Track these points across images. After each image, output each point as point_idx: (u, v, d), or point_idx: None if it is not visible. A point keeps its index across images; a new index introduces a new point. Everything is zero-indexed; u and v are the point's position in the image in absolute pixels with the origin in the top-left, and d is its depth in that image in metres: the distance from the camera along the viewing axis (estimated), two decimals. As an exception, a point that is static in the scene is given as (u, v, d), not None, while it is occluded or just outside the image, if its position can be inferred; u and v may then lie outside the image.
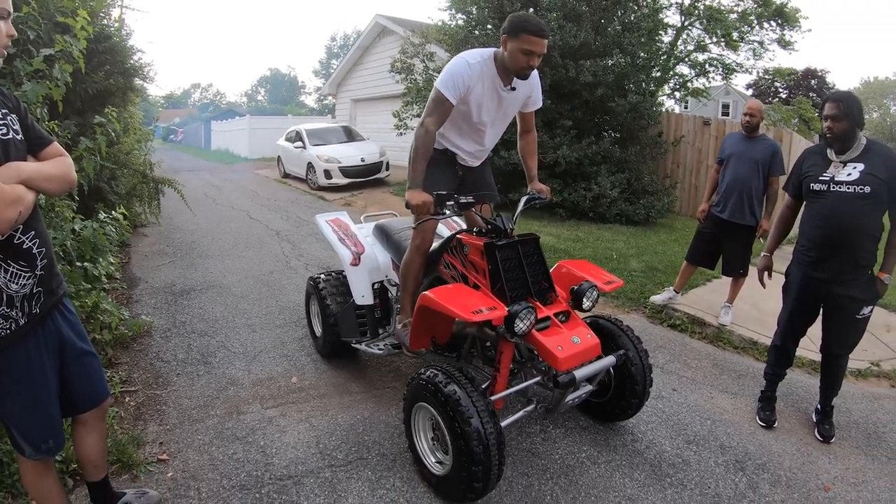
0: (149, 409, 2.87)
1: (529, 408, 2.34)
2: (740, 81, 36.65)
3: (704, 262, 4.39)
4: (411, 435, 2.32)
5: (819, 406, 2.94)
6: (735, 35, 13.46)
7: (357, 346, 3.11)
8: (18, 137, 1.53)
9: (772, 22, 13.58)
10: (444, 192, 2.31)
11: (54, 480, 1.84)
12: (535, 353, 2.23)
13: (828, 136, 2.58)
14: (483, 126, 2.57)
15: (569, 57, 7.86)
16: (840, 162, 2.59)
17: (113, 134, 5.05)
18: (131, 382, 3.13)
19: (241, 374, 3.26)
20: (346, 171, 10.90)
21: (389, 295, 3.20)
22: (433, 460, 2.25)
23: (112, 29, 5.50)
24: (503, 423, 2.18)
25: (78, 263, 3.52)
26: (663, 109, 10.90)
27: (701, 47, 13.84)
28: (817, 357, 3.12)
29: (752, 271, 3.52)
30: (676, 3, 13.59)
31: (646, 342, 3.54)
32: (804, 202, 2.80)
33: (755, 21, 13.57)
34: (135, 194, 6.62)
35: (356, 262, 3.11)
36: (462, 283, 2.40)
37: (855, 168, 2.53)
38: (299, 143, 12.16)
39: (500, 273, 2.23)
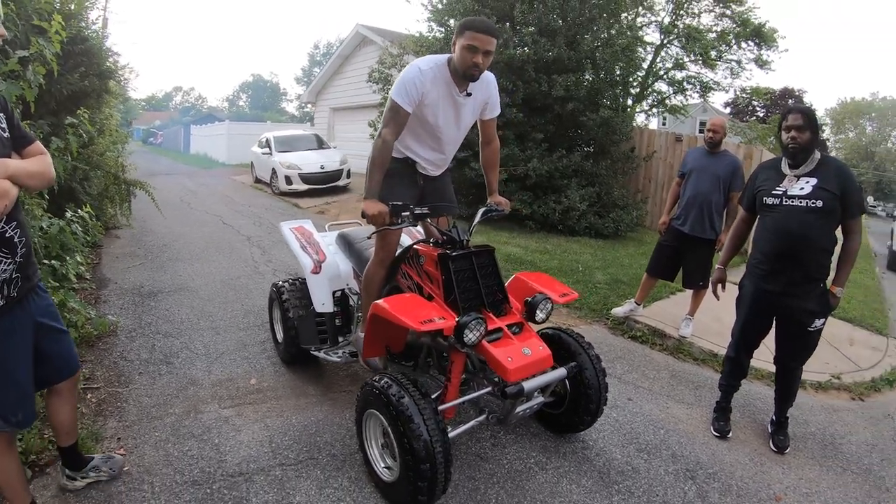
0: (109, 405, 2.89)
1: (481, 418, 2.33)
2: (718, 99, 37.63)
3: (665, 274, 4.42)
4: (362, 439, 2.32)
5: (774, 417, 2.97)
6: (713, 54, 13.78)
7: (316, 353, 3.09)
8: (5, 135, 1.64)
9: (750, 42, 13.91)
10: (399, 203, 2.31)
11: (14, 459, 1.90)
12: (486, 363, 2.22)
13: (791, 146, 2.57)
14: (440, 132, 2.57)
15: (542, 71, 7.96)
16: (794, 176, 2.61)
17: (85, 135, 5.00)
18: (94, 380, 3.13)
19: (201, 375, 3.27)
20: (305, 178, 11.04)
21: (351, 303, 3.18)
22: (382, 465, 2.25)
23: (89, 31, 5.45)
24: (454, 433, 2.17)
25: (45, 261, 3.52)
26: (634, 125, 11.07)
27: (679, 65, 14.13)
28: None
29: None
30: (656, 22, 13.90)
31: (606, 353, 3.59)
32: (758, 216, 2.83)
33: (733, 40, 13.88)
34: (107, 195, 6.58)
35: (317, 269, 3.10)
36: (417, 294, 2.40)
37: (808, 182, 2.56)
38: (267, 150, 12.30)
39: (453, 284, 2.23)
